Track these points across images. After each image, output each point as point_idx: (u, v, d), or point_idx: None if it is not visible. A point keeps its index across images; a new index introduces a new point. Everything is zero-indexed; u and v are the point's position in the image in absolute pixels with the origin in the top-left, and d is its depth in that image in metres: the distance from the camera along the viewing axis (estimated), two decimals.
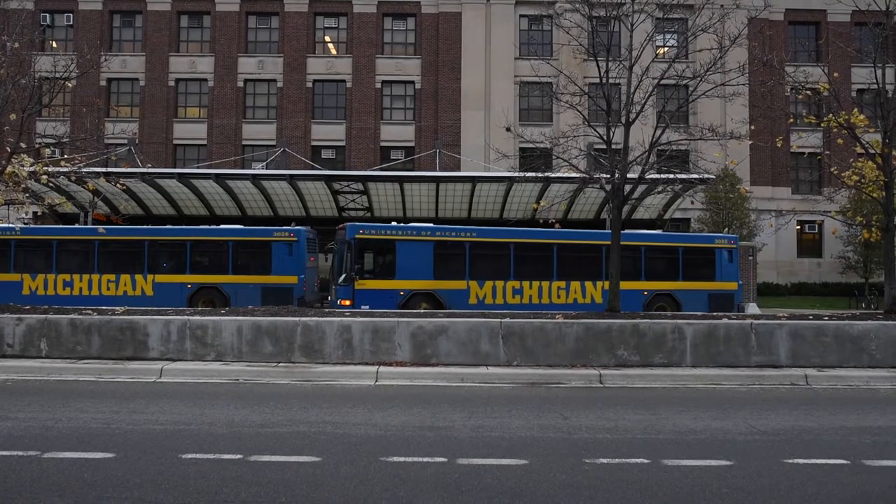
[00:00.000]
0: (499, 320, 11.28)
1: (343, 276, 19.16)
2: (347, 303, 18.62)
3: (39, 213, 28.11)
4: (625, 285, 19.90)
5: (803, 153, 31.89)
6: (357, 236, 19.20)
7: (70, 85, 15.88)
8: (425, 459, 5.83)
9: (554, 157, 17.97)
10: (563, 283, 20.32)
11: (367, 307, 17.72)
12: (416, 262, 19.46)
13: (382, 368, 10.48)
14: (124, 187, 22.88)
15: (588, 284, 20.57)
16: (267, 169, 28.61)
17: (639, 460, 5.88)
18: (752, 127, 21.20)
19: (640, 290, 20.69)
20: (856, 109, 14.86)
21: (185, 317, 11.38)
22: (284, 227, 21.92)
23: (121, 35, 36.89)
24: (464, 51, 35.66)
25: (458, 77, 35.61)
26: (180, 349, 11.04)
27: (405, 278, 19.35)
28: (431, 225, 21.27)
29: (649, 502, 4.88)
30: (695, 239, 22.29)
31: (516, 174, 20.84)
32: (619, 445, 6.41)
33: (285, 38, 36.11)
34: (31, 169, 14.17)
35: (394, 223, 20.98)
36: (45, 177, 14.91)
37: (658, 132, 14.80)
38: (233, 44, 36.11)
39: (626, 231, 24.16)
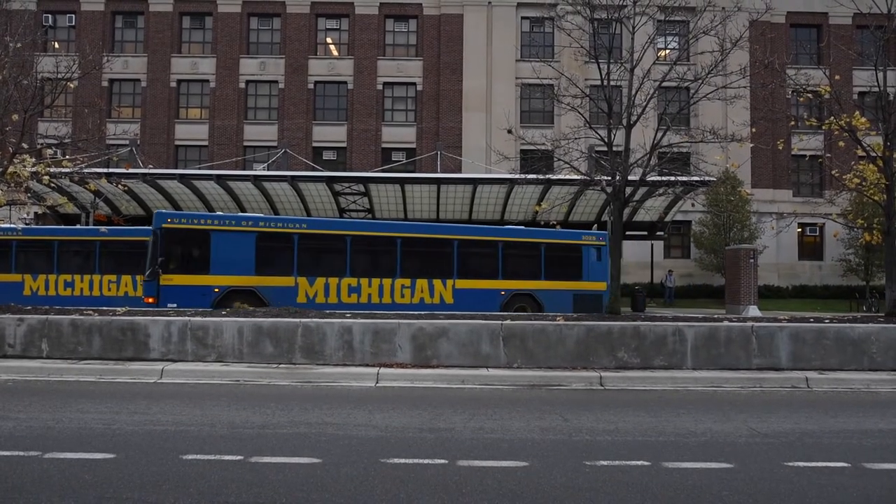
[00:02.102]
0: (500, 322, 11.28)
1: (148, 270, 17.28)
2: (151, 300, 16.88)
3: (41, 213, 28.14)
4: (479, 284, 19.53)
5: (804, 156, 31.93)
6: (164, 225, 17.39)
7: (72, 85, 15.89)
8: (426, 461, 5.83)
9: (555, 159, 18.02)
10: (407, 281, 19.05)
11: (175, 305, 16.10)
12: (235, 256, 17.73)
13: (383, 370, 10.48)
14: (126, 188, 22.90)
15: (437, 283, 19.26)
16: (268, 170, 28.65)
17: (639, 462, 5.88)
18: (754, 129, 21.22)
19: (496, 289, 19.65)
20: (857, 112, 14.89)
21: (186, 318, 11.38)
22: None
23: (123, 36, 36.95)
24: (465, 52, 35.70)
25: (460, 79, 35.65)
26: (181, 350, 11.05)
27: (221, 273, 17.61)
28: (255, 215, 19.91)
29: None
30: (559, 235, 21.31)
31: (517, 176, 20.82)
32: (620, 448, 6.41)
33: (287, 40, 36.16)
34: (33, 169, 14.18)
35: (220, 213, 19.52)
36: (46, 177, 14.93)
37: (659, 134, 14.82)
38: (234, 45, 36.16)
39: (485, 226, 23.40)
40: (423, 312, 14.45)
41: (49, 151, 15.59)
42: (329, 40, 37.00)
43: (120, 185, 21.37)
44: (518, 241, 20.52)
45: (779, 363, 11.01)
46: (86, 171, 18.19)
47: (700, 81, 14.89)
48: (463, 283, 19.48)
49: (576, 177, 17.15)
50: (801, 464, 5.94)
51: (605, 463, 5.86)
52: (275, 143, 34.43)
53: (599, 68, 15.05)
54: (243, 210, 26.78)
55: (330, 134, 36.24)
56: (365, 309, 16.64)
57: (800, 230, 35.24)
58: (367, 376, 10.24)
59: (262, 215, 20.11)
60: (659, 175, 17.45)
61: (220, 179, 24.82)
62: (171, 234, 17.42)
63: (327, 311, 13.54)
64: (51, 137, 18.32)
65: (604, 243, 20.78)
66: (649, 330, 11.10)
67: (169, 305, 16.26)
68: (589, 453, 6.17)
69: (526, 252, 20.48)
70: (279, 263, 18.23)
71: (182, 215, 18.27)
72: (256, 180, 24.95)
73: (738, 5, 16.37)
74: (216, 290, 17.39)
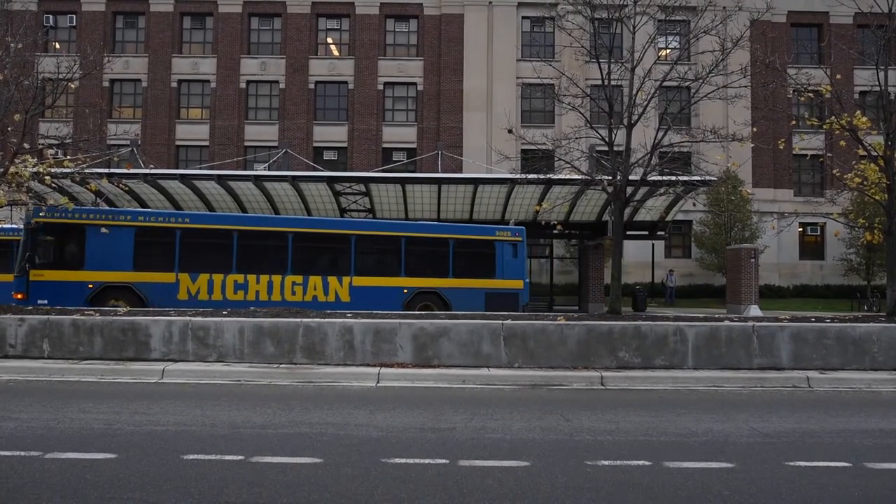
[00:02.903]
0: (500, 322, 11.28)
1: (17, 266, 16.82)
2: (21, 296, 16.39)
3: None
4: (379, 281, 18.80)
5: (805, 155, 31.92)
6: (36, 220, 16.76)
7: (73, 86, 15.89)
8: (427, 461, 5.83)
9: (556, 159, 18.00)
10: (299, 278, 18.38)
11: (46, 302, 15.69)
12: (111, 251, 17.10)
13: (384, 370, 10.48)
14: (127, 188, 22.91)
15: (332, 280, 18.58)
16: (269, 170, 28.64)
17: (640, 462, 5.88)
18: (755, 129, 21.22)
19: (398, 287, 18.91)
20: (858, 111, 14.87)
21: (187, 318, 11.39)
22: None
23: (123, 36, 36.98)
24: (466, 52, 35.71)
25: (460, 78, 35.66)
26: (182, 350, 11.05)
27: (97, 269, 17.05)
28: (135, 209, 19.22)
29: None
30: (470, 230, 20.45)
31: (518, 176, 20.77)
32: (621, 447, 6.40)
33: (288, 40, 36.18)
34: (35, 170, 14.20)
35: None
36: (48, 178, 14.94)
37: (660, 134, 14.82)
38: (235, 45, 36.18)
39: (389, 220, 22.74)
40: (423, 312, 14.43)
41: (50, 152, 15.58)
42: (330, 40, 37.00)
43: (121, 186, 21.40)
44: (423, 236, 19.77)
45: (780, 363, 11.01)
46: (87, 171, 18.21)
47: (701, 81, 14.88)
48: (361, 281, 18.72)
49: (577, 176, 17.17)
50: (802, 463, 5.93)
51: (606, 463, 5.86)
52: (275, 144, 34.44)
53: (600, 68, 15.05)
54: (244, 210, 26.79)
55: (331, 134, 36.25)
56: (251, 307, 16.07)
57: (801, 230, 35.22)
58: (368, 376, 10.25)
59: (141, 210, 19.17)
60: (660, 175, 17.45)
61: (220, 179, 24.82)
62: (43, 228, 16.87)
63: (328, 311, 13.54)
64: (52, 138, 18.34)
65: (520, 239, 19.93)
66: (650, 330, 11.09)
67: (39, 302, 15.79)
68: (590, 453, 6.17)
69: (432, 248, 19.68)
70: (160, 259, 17.64)
71: (57, 210, 17.02)
72: (257, 180, 24.95)
73: (738, 5, 16.36)
74: (90, 286, 16.87)
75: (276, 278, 18.22)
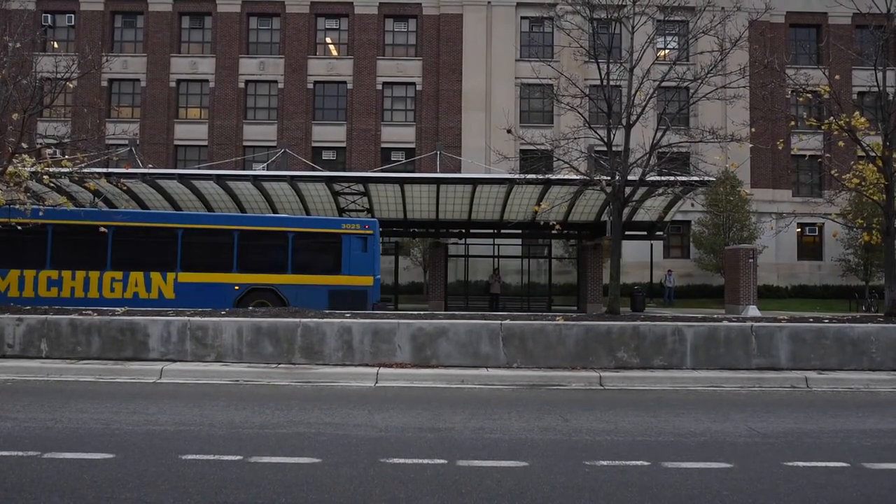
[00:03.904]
0: (499, 322, 11.28)
1: None
2: None
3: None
4: (207, 277, 17.76)
5: (804, 156, 31.95)
6: None
7: (71, 85, 15.86)
8: (425, 461, 5.83)
9: (554, 159, 18.00)
10: (119, 274, 17.59)
11: None
12: None
13: (383, 370, 10.48)
14: (125, 188, 22.86)
15: (156, 276, 17.72)
16: (268, 170, 28.63)
17: (639, 462, 5.88)
18: (753, 129, 21.21)
19: (230, 283, 17.96)
20: (857, 112, 14.87)
21: (186, 318, 11.38)
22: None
23: (122, 36, 36.95)
24: (465, 52, 35.71)
25: (459, 79, 35.66)
26: (180, 350, 11.04)
27: None
28: None
29: None
30: (313, 223, 19.54)
31: (517, 176, 20.75)
32: (619, 447, 6.41)
33: (286, 40, 36.17)
34: (33, 169, 14.17)
35: None
36: (46, 177, 14.91)
37: (659, 134, 14.82)
38: (234, 45, 36.16)
39: (221, 213, 21.81)
40: (422, 312, 14.42)
41: (48, 151, 15.57)
42: (328, 40, 36.99)
43: (119, 185, 21.35)
44: (257, 229, 18.75)
45: (778, 363, 11.01)
46: (85, 170, 18.17)
47: (699, 81, 14.88)
48: (188, 277, 17.82)
49: (575, 177, 17.15)
50: (800, 463, 5.94)
51: (604, 463, 5.86)
52: (274, 143, 34.42)
53: (599, 68, 15.05)
54: (243, 210, 26.76)
55: (329, 134, 36.24)
56: (69, 304, 15.33)
57: (799, 230, 35.25)
58: (367, 376, 10.24)
59: None
60: (658, 175, 17.45)
61: (219, 179, 24.79)
62: None
63: (326, 311, 13.54)
64: (50, 137, 18.29)
65: (370, 232, 18.77)
66: (649, 330, 11.10)
67: None
68: (589, 453, 6.17)
69: (269, 241, 18.69)
70: None
71: None
72: (256, 180, 24.92)
73: (737, 5, 16.38)
74: None
75: (94, 274, 17.50)
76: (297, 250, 18.56)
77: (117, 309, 12.96)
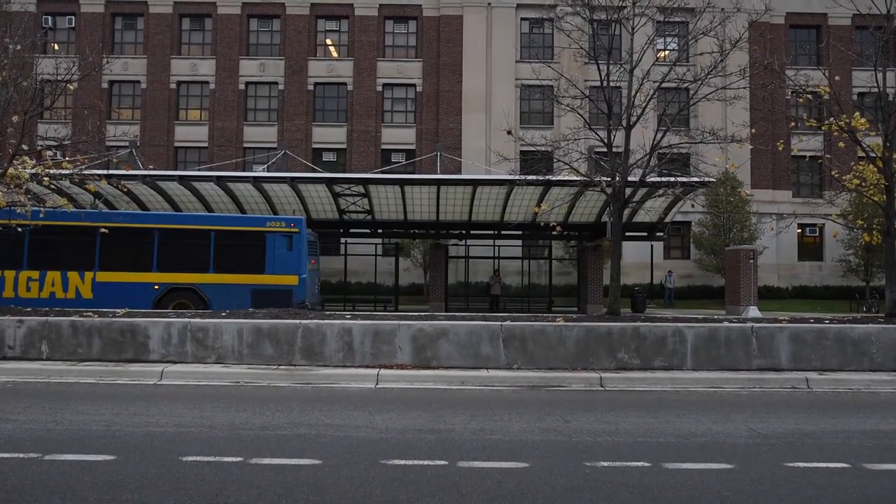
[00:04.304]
0: (499, 323, 11.28)
1: None
2: None
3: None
4: (126, 277, 17.61)
5: (804, 156, 31.96)
6: None
7: (72, 87, 15.87)
8: (426, 462, 5.83)
9: (555, 161, 18.01)
10: (35, 274, 17.47)
11: None
12: None
13: (383, 371, 10.48)
14: (125, 190, 22.87)
15: (73, 275, 17.61)
16: (268, 171, 28.63)
17: (640, 463, 5.88)
18: (753, 130, 21.21)
19: (149, 282, 17.78)
20: (857, 113, 14.87)
21: (186, 319, 11.38)
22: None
23: (122, 37, 36.97)
24: (465, 54, 35.72)
25: (459, 80, 35.66)
26: (181, 351, 11.04)
27: None
28: None
29: None
30: (235, 221, 19.39)
31: (517, 177, 20.73)
32: (620, 448, 6.40)
33: (286, 41, 36.18)
34: (33, 171, 14.17)
35: None
36: (46, 179, 14.90)
37: (659, 135, 14.83)
38: (234, 46, 36.18)
39: (140, 212, 21.58)
40: (422, 314, 14.42)
41: (49, 153, 15.55)
42: (329, 42, 37.01)
43: (120, 187, 21.36)
44: (178, 227, 18.47)
45: (779, 364, 11.01)
46: (85, 172, 18.17)
47: (699, 82, 14.89)
48: (106, 276, 17.67)
49: (575, 178, 17.15)
50: (801, 464, 5.94)
51: (605, 464, 5.86)
52: (274, 145, 34.40)
53: (599, 69, 15.05)
54: (243, 212, 26.75)
55: (330, 135, 36.25)
56: None
57: (799, 231, 35.24)
58: (367, 377, 10.24)
59: None
60: (659, 176, 17.45)
61: (219, 181, 24.80)
62: None
63: (327, 313, 13.55)
64: (50, 139, 18.29)
65: (296, 230, 18.49)
66: (649, 331, 11.10)
67: None
68: (589, 454, 6.17)
69: (190, 240, 18.32)
70: None
71: None
72: (256, 182, 24.94)
73: (737, 6, 16.37)
74: None
75: (10, 273, 17.41)
76: (220, 249, 18.30)
77: (118, 310, 12.97)
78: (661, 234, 27.63)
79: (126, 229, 18.27)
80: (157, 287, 17.90)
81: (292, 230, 18.61)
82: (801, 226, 34.55)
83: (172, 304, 17.69)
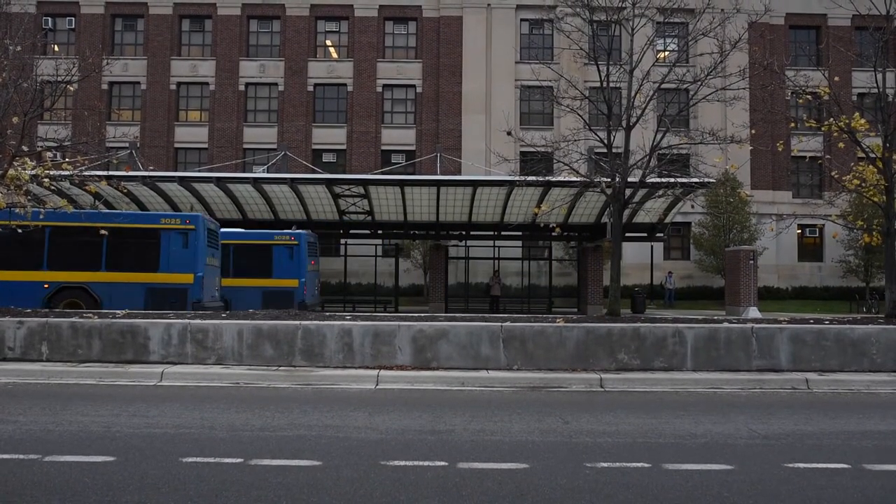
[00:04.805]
0: (499, 324, 11.28)
1: None
2: None
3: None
4: (16, 276, 17.06)
5: (804, 157, 31.95)
6: None
7: (72, 88, 15.88)
8: (426, 463, 5.83)
9: (555, 161, 18.02)
10: None
11: None
12: None
13: (383, 372, 10.47)
14: (125, 191, 22.91)
15: None
16: (268, 172, 28.66)
17: (640, 464, 5.88)
18: (753, 131, 21.23)
19: (39, 281, 17.50)
20: (856, 113, 14.87)
21: (186, 320, 11.38)
22: (286, 231, 21.81)
23: (122, 39, 37.00)
24: (465, 55, 35.74)
25: (459, 81, 35.68)
26: (181, 353, 11.04)
27: None
28: None
29: None
30: (128, 218, 19.28)
31: (517, 178, 20.75)
32: (620, 449, 6.40)
33: (286, 42, 36.20)
34: (33, 172, 14.17)
35: None
36: (46, 180, 14.91)
37: (659, 136, 14.84)
38: (234, 47, 36.20)
39: (35, 209, 20.81)
40: (422, 314, 14.45)
41: (49, 154, 15.55)
42: (328, 43, 37.04)
43: (120, 188, 21.38)
44: (68, 225, 17.96)
45: (779, 365, 11.01)
46: (86, 173, 18.18)
47: (699, 83, 14.90)
48: None
49: (575, 178, 17.16)
50: (801, 465, 5.93)
51: (605, 465, 5.86)
52: (274, 146, 34.42)
53: (599, 70, 15.06)
54: (243, 213, 26.75)
55: (329, 136, 36.26)
56: None
57: (799, 231, 35.25)
58: (367, 378, 10.24)
59: None
60: (658, 176, 17.47)
61: (219, 182, 24.83)
62: None
63: (327, 314, 13.55)
64: (50, 140, 18.27)
65: (192, 227, 18.25)
66: (649, 331, 11.09)
67: None
68: (589, 455, 6.17)
69: (81, 238, 17.87)
70: None
71: None
72: (256, 183, 24.96)
73: (737, 7, 16.41)
74: None
75: None
76: (112, 247, 17.91)
77: (118, 312, 12.97)
78: (661, 234, 27.66)
79: (13, 227, 17.43)
80: (46, 286, 17.57)
81: (188, 227, 18.29)
82: (800, 226, 34.56)
83: (62, 303, 17.38)
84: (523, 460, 5.96)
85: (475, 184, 24.56)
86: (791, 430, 7.41)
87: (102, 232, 16.51)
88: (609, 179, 15.45)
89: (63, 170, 14.95)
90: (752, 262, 26.25)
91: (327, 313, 15.27)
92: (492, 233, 28.23)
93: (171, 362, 10.95)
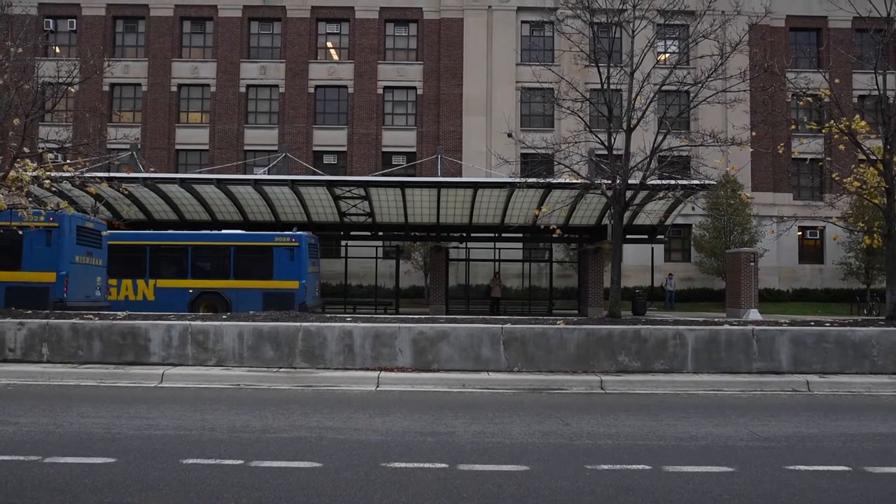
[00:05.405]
0: (500, 326, 11.28)
1: None
2: None
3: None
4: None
5: (805, 159, 31.93)
6: None
7: (73, 90, 15.91)
8: (426, 465, 5.83)
9: (555, 163, 18.02)
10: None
11: None
12: None
13: (384, 374, 10.47)
14: (126, 192, 22.91)
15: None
16: (269, 174, 28.65)
17: (640, 466, 5.87)
18: (754, 133, 21.21)
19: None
20: (857, 115, 14.87)
21: (187, 322, 11.39)
22: (286, 233, 21.96)
23: (124, 40, 37.05)
24: (465, 57, 35.76)
25: (460, 83, 35.70)
26: (182, 354, 11.04)
27: None
28: None
29: None
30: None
31: (517, 180, 20.71)
32: (621, 451, 6.40)
33: (287, 44, 36.24)
34: (35, 174, 14.19)
35: None
36: (47, 182, 14.93)
37: (659, 138, 14.84)
38: (235, 49, 36.24)
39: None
40: (423, 316, 14.44)
41: (50, 156, 15.57)
42: (329, 45, 37.07)
43: (121, 190, 21.38)
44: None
45: (779, 367, 11.00)
46: (87, 175, 18.19)
47: (700, 85, 14.90)
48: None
49: (576, 180, 17.16)
50: (801, 467, 5.93)
51: (605, 467, 5.86)
52: (275, 148, 34.43)
53: (599, 72, 15.07)
54: (244, 214, 26.75)
55: (330, 138, 36.28)
56: None
57: (800, 233, 35.23)
58: (368, 380, 10.24)
59: None
60: (659, 178, 17.48)
61: (220, 183, 24.83)
62: None
63: (327, 315, 13.56)
64: (52, 142, 18.29)
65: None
66: (650, 334, 11.09)
67: None
68: (590, 457, 6.16)
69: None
70: None
71: None
72: (257, 184, 24.97)
73: (737, 9, 16.39)
74: None
75: None
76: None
77: (119, 313, 12.98)
78: (662, 236, 27.65)
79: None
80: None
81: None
82: (801, 228, 34.53)
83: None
84: (524, 462, 5.95)
85: (476, 185, 24.56)
86: (792, 432, 7.41)
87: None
88: (610, 181, 15.44)
89: (64, 171, 14.96)
90: (752, 263, 26.23)
91: (328, 315, 15.31)
92: (492, 234, 28.22)
93: (171, 364, 10.95)
